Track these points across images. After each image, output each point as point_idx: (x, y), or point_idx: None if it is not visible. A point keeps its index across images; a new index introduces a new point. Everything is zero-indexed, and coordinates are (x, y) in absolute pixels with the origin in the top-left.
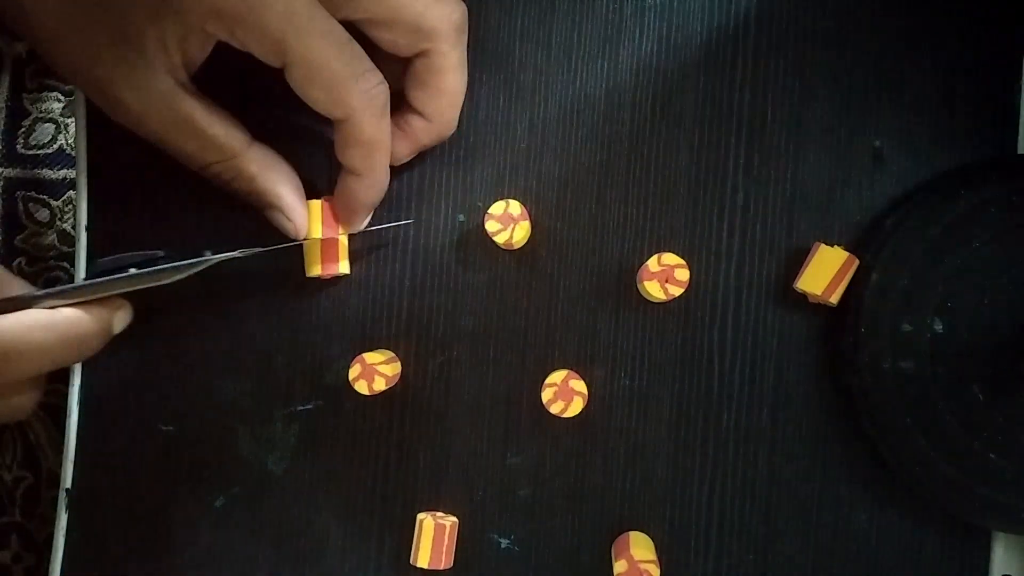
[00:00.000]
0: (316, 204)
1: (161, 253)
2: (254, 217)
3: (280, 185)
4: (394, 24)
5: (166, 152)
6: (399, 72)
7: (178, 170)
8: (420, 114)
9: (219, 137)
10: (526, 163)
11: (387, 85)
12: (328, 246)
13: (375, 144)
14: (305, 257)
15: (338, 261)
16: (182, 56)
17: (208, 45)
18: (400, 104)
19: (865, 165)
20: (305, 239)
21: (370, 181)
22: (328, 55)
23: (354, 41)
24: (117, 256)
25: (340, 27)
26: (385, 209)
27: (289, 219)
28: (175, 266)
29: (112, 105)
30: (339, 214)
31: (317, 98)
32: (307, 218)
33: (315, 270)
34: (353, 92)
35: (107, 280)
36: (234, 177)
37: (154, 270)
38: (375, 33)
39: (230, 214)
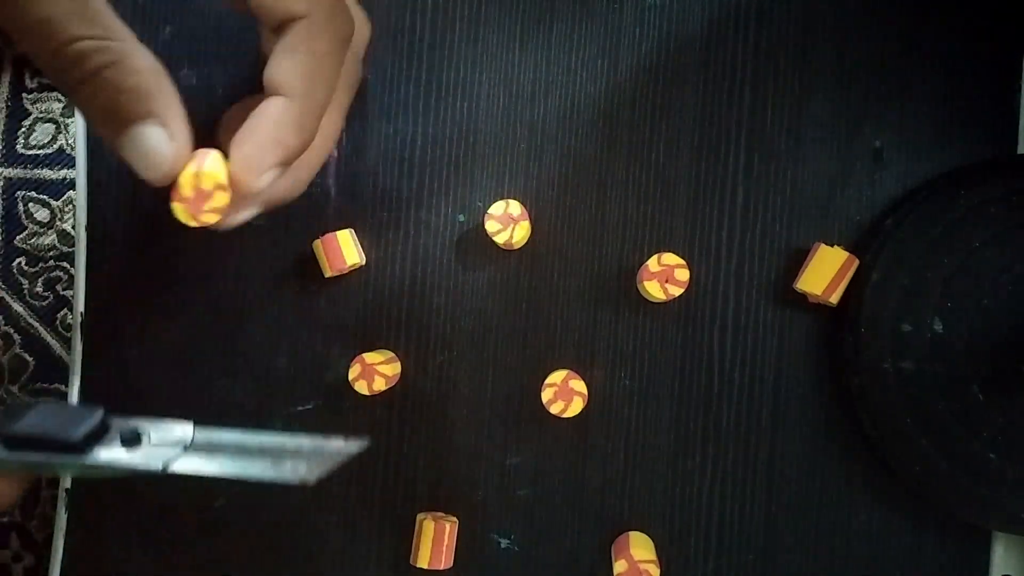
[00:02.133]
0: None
1: (100, 412)
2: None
3: (163, 86)
4: None
5: (10, 23)
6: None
7: None
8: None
9: (104, 11)
10: (526, 163)
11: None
12: (329, 245)
13: (327, 57)
14: (318, 258)
15: (343, 255)
16: None
17: None
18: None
19: (865, 165)
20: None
21: (306, 108)
22: None
23: None
24: (31, 431)
25: None
26: (385, 209)
27: (172, 138)
28: (92, 466)
29: None
30: (242, 161)
31: None
32: (188, 139)
33: (327, 271)
34: None
35: (19, 459)
36: (112, 62)
37: (69, 461)
38: None
39: None
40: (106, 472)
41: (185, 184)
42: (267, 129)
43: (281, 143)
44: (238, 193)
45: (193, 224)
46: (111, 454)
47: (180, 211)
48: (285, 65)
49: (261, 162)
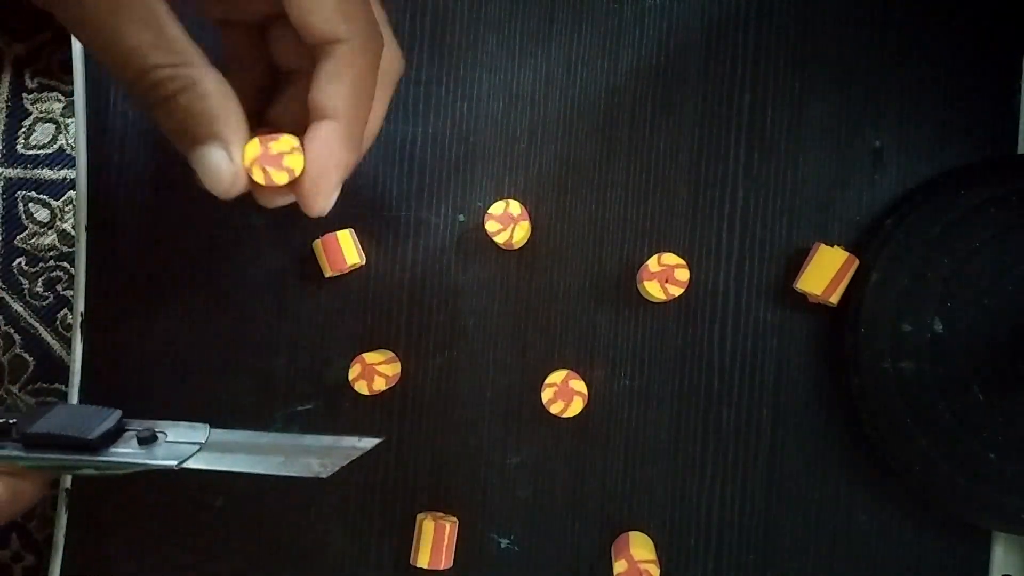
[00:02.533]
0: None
1: (118, 414)
2: (253, 220)
3: (231, 111)
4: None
5: (98, 52)
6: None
7: (178, 170)
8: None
9: (180, 39)
10: (526, 163)
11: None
12: (329, 245)
13: (370, 84)
14: (318, 258)
15: (343, 255)
16: None
17: None
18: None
19: (865, 165)
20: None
21: (352, 133)
22: None
23: None
24: (49, 431)
25: None
26: (385, 209)
27: (231, 158)
28: (114, 461)
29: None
30: (305, 182)
31: (327, 15)
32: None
33: (327, 271)
34: (365, 10)
35: (41, 458)
36: (184, 88)
37: (86, 459)
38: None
39: (231, 214)
40: (123, 468)
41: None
42: (327, 156)
43: (340, 165)
44: (310, 214)
45: (262, 180)
46: (127, 452)
47: (260, 174)
48: (332, 91)
49: (328, 187)
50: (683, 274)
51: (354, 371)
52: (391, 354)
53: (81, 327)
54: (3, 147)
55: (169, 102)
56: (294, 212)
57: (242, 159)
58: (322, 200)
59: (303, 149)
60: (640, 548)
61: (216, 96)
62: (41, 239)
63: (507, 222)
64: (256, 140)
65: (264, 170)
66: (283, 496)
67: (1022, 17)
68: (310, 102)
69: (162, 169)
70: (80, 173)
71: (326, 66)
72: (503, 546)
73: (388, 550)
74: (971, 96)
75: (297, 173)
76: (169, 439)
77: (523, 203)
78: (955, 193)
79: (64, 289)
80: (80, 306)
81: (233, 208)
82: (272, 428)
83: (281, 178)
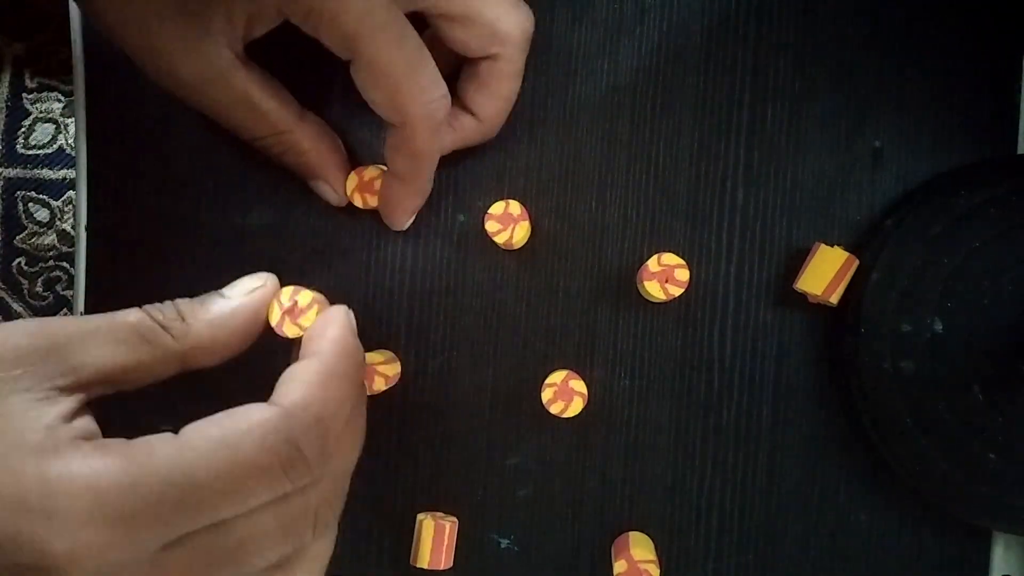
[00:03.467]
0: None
1: None
2: (252, 215)
3: (328, 159)
4: (470, 25)
5: (219, 123)
6: (454, 64)
7: (178, 170)
8: (473, 114)
9: (272, 112)
10: (526, 163)
11: (449, 99)
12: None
13: (425, 155)
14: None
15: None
16: (244, 31)
17: (274, 24)
18: (453, 99)
19: (865, 165)
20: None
21: (414, 188)
22: (396, 60)
23: (425, 49)
24: None
25: (415, 34)
26: None
27: (335, 191)
28: None
29: (166, 76)
30: (381, 212)
31: (377, 100)
32: (348, 188)
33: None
34: (414, 102)
35: None
36: (286, 150)
37: None
38: (447, 30)
39: (231, 214)
40: None
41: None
42: (394, 203)
43: (407, 209)
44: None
45: (361, 204)
46: None
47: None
48: (392, 157)
49: (399, 221)
50: (683, 274)
51: None
52: (391, 354)
53: None
54: (3, 147)
55: (280, 157)
56: (294, 212)
57: (342, 186)
58: (398, 226)
59: None
60: (640, 548)
61: (313, 151)
62: (41, 239)
63: (507, 222)
64: (354, 173)
65: (362, 196)
66: None
67: (1022, 17)
68: (385, 156)
69: (162, 169)
70: (80, 173)
71: (390, 134)
72: (503, 546)
73: (388, 550)
74: (971, 96)
75: None
76: None
77: (523, 203)
78: (955, 193)
79: (64, 289)
80: (80, 306)
81: (234, 208)
82: None
83: (375, 201)
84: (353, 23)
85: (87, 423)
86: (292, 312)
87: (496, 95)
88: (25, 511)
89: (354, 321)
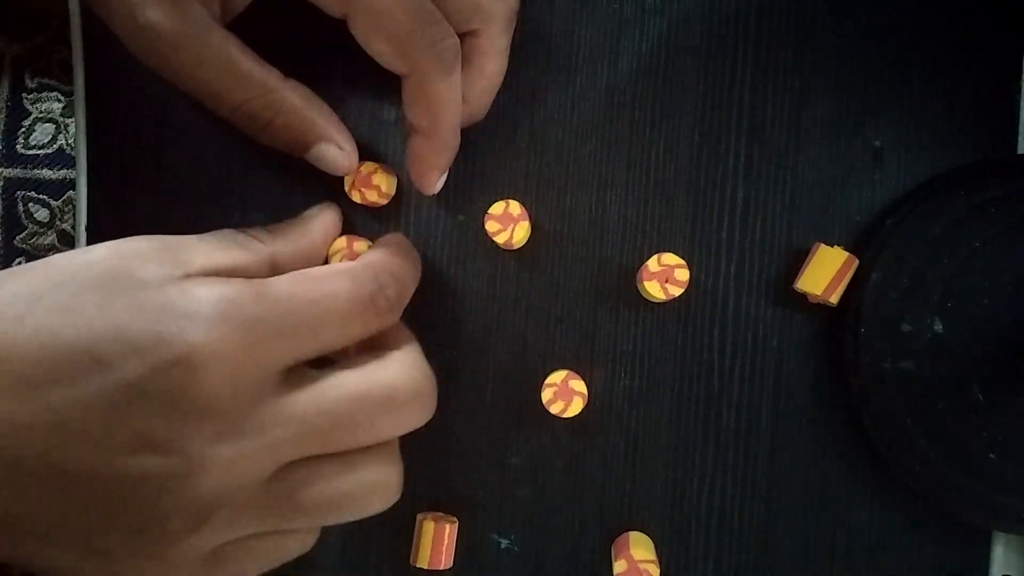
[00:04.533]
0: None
1: None
2: (252, 215)
3: (325, 115)
4: None
5: (196, 97)
6: None
7: (178, 170)
8: None
9: (255, 72)
10: (526, 163)
11: (456, 38)
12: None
13: (442, 101)
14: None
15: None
16: (221, 1)
17: None
18: None
19: (865, 165)
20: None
21: (438, 141)
22: (394, 3)
23: None
24: None
25: None
26: (385, 209)
27: (342, 147)
28: None
29: (144, 34)
30: (413, 177)
31: (381, 50)
32: (355, 148)
33: (355, 196)
34: (419, 45)
35: None
36: (276, 112)
37: None
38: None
39: (231, 214)
40: None
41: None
42: (421, 163)
43: (435, 166)
44: (424, 192)
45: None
46: None
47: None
48: (412, 112)
49: (429, 184)
50: (683, 274)
51: None
52: None
53: None
54: (3, 147)
55: (269, 126)
56: (294, 212)
57: (348, 142)
58: (429, 189)
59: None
60: (640, 548)
61: (304, 107)
62: (41, 239)
63: (507, 222)
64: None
65: (360, 192)
66: None
67: (1022, 17)
68: (404, 114)
69: (162, 169)
70: (80, 173)
71: (404, 88)
72: (503, 546)
73: (388, 550)
74: (971, 96)
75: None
76: None
77: (523, 203)
78: (955, 193)
79: None
80: None
81: (233, 208)
82: None
83: (373, 196)
84: None
85: None
86: (350, 256)
87: (479, 74)
88: (168, 313)
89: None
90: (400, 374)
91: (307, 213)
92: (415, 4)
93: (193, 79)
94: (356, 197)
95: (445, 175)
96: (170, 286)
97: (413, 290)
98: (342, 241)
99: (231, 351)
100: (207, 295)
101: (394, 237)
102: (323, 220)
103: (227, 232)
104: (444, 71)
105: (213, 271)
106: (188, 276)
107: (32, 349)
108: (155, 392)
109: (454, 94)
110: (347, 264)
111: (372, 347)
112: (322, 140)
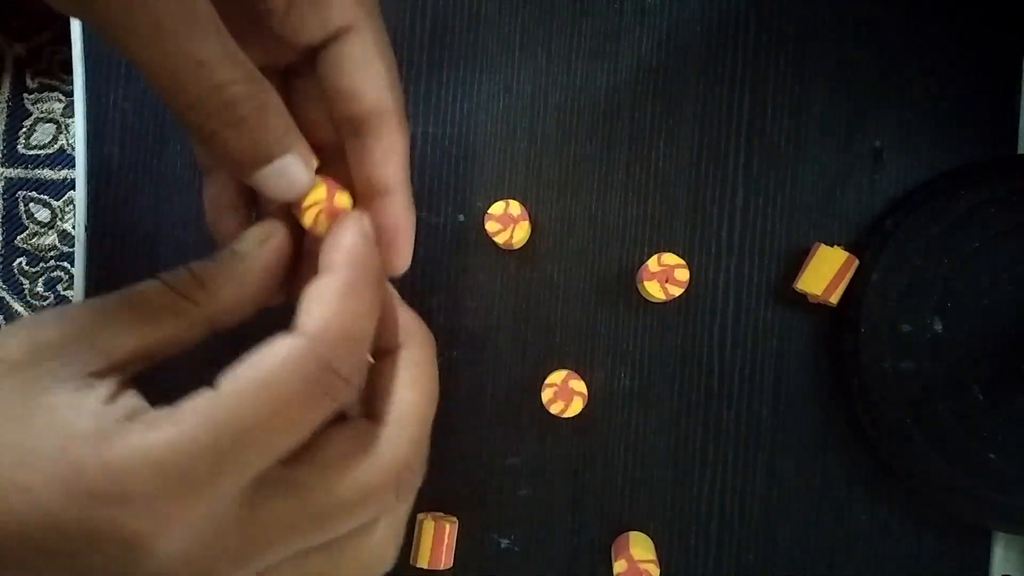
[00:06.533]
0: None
1: None
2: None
3: (294, 125)
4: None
5: (151, 70)
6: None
7: (178, 169)
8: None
9: (241, 52)
10: (526, 163)
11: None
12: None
13: (406, 144)
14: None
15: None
16: None
17: None
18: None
19: (865, 165)
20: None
21: (408, 195)
22: (382, 42)
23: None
24: None
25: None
26: None
27: (307, 165)
28: None
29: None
30: (392, 251)
31: (365, 93)
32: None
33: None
34: (396, 86)
35: None
36: (260, 107)
37: None
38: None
39: None
40: None
41: (309, 215)
42: (404, 225)
43: (412, 226)
44: (395, 274)
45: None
46: None
47: (313, 220)
48: (392, 167)
49: (409, 249)
50: (683, 274)
51: None
52: None
53: None
54: (4, 147)
55: (245, 121)
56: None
57: (313, 162)
58: (406, 262)
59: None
60: (640, 548)
61: (284, 111)
62: (42, 239)
63: (507, 222)
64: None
65: (319, 219)
66: None
67: (1022, 17)
68: (371, 178)
69: (162, 169)
70: (80, 173)
71: (380, 143)
72: (503, 546)
73: None
74: (971, 96)
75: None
76: None
77: (523, 203)
78: (955, 193)
79: (65, 289)
80: None
81: None
82: None
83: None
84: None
85: (130, 399)
86: (330, 211)
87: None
88: (97, 501)
89: (368, 226)
90: (379, 469)
91: (243, 246)
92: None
93: (170, 38)
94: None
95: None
96: (85, 450)
97: (372, 338)
98: (321, 191)
99: (180, 519)
100: (132, 469)
101: (350, 247)
102: (264, 259)
103: (148, 292)
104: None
105: (141, 354)
106: (111, 371)
107: None
108: (120, 573)
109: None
110: (287, 349)
111: (369, 395)
112: (289, 152)
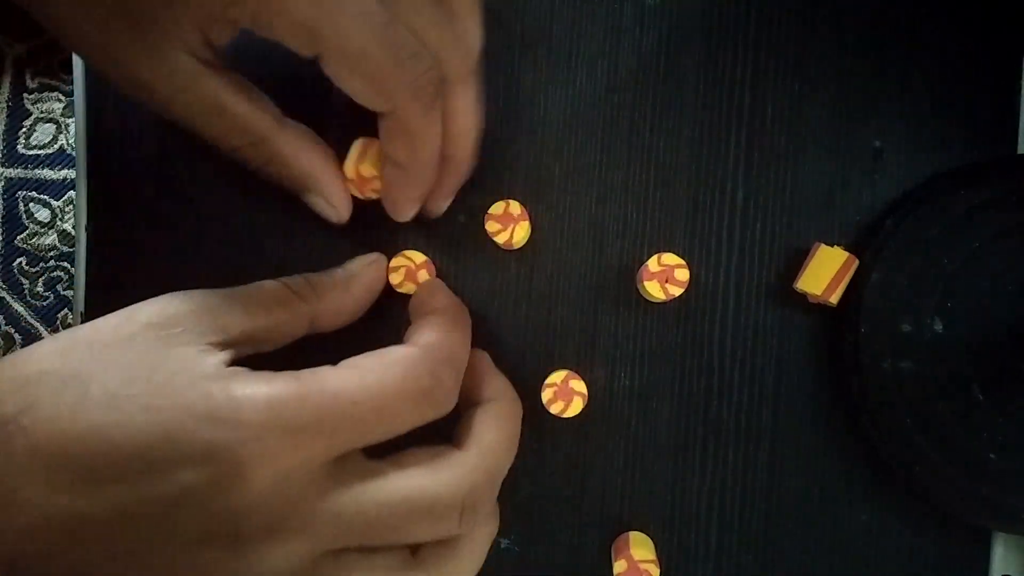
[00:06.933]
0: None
1: None
2: (255, 217)
3: (318, 168)
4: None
5: (198, 135)
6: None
7: (179, 169)
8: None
9: (246, 117)
10: (526, 163)
11: (437, 70)
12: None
13: (422, 137)
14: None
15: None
16: (202, 38)
17: (232, 30)
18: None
19: (865, 165)
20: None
21: (414, 175)
22: (367, 40)
23: (396, 21)
24: None
25: (378, 5)
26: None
27: (331, 204)
28: None
29: (135, 86)
30: (385, 203)
31: (358, 89)
32: (348, 202)
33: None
34: (398, 82)
35: None
36: (268, 160)
37: None
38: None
39: (233, 213)
40: None
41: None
42: (395, 196)
43: (410, 199)
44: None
45: (358, 194)
46: None
47: (400, 280)
48: (391, 148)
49: (403, 212)
50: (683, 274)
51: None
52: None
53: None
54: (4, 147)
55: (264, 168)
56: (295, 211)
57: (339, 199)
58: (401, 218)
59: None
60: (640, 548)
61: (294, 160)
62: (42, 239)
63: (507, 222)
64: (351, 164)
65: (361, 191)
66: None
67: (1022, 17)
68: (381, 144)
69: (162, 169)
70: (80, 173)
71: (381, 123)
72: (503, 546)
73: None
74: (971, 96)
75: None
76: None
77: (523, 203)
78: (955, 193)
79: (65, 289)
80: (80, 306)
81: (234, 208)
82: None
83: (374, 192)
84: (307, 9)
85: (243, 369)
86: (411, 274)
87: (455, 130)
88: (215, 423)
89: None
90: (449, 483)
91: (352, 266)
92: (389, 38)
93: (190, 124)
94: (354, 190)
95: (419, 206)
96: (213, 383)
97: (466, 365)
98: (403, 259)
99: (279, 457)
100: (252, 402)
101: (446, 298)
102: (367, 279)
103: (267, 287)
104: (425, 105)
105: (253, 336)
106: (226, 346)
107: (88, 447)
108: (209, 496)
109: (434, 128)
110: (403, 352)
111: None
112: (312, 192)
